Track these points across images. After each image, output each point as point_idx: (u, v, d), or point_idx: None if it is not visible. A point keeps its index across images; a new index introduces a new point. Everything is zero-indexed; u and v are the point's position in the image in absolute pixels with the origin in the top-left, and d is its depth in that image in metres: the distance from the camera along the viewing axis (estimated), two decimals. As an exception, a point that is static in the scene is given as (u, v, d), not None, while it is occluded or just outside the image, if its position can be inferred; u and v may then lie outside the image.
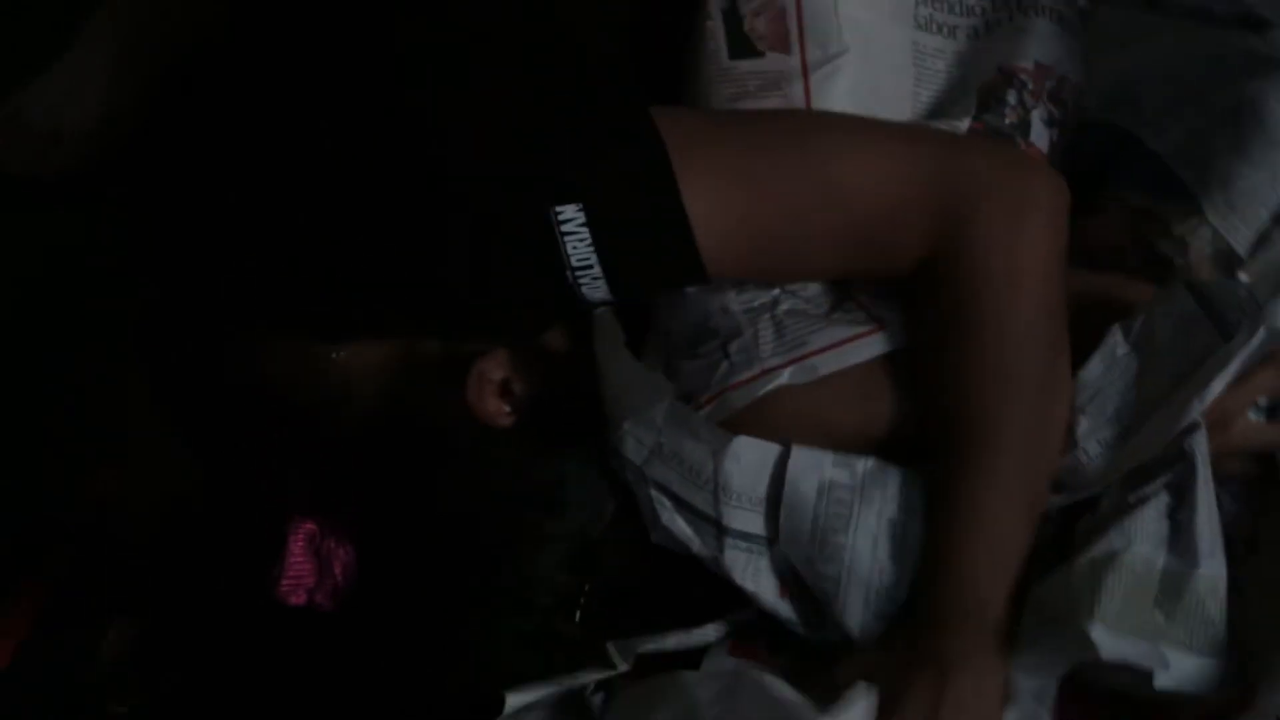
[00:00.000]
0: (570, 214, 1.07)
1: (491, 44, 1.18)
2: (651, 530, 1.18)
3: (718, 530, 1.16)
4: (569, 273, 1.10)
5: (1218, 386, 1.11)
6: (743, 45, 1.30)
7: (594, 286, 1.12)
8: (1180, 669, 1.08)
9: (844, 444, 1.17)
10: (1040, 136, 1.32)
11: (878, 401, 1.19)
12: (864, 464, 1.17)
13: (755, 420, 1.17)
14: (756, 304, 1.24)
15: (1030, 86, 1.34)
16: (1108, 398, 1.18)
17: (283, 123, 1.18)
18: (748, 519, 1.17)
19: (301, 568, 1.17)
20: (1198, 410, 1.11)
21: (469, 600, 1.17)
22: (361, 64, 1.17)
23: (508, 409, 1.20)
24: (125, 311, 1.30)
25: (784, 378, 1.18)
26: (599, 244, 1.08)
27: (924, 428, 1.17)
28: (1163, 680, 1.06)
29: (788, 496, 1.15)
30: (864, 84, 1.29)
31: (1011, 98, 1.33)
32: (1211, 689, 1.09)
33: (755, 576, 1.17)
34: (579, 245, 1.09)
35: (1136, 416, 1.16)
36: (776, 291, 1.24)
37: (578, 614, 1.18)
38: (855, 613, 1.16)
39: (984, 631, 1.11)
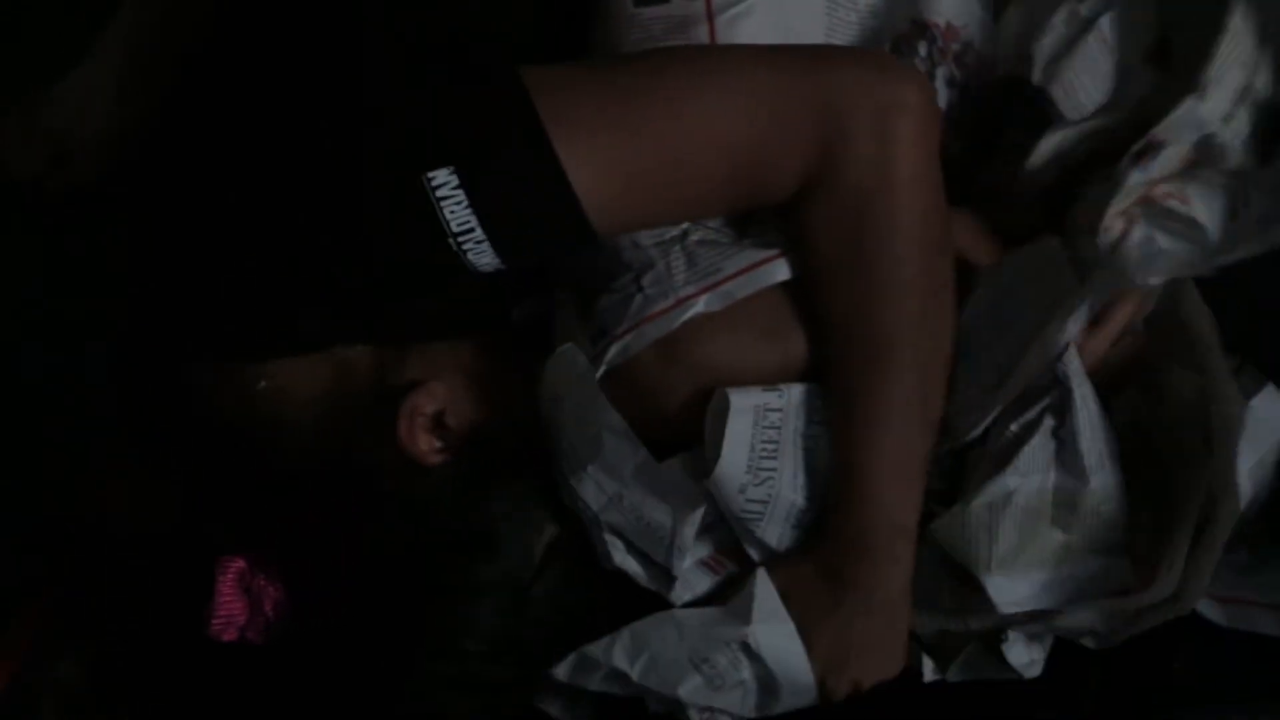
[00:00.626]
0: (443, 178, 1.05)
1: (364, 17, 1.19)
2: (602, 562, 1.18)
3: (669, 577, 1.18)
4: (451, 240, 1.07)
5: (1076, 322, 1.16)
6: None
7: (479, 252, 1.08)
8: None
9: (766, 378, 1.18)
10: (940, 95, 1.31)
11: (794, 331, 1.20)
12: (793, 389, 1.18)
13: (672, 353, 1.17)
14: (667, 236, 1.24)
15: (939, 43, 1.33)
16: (981, 342, 1.21)
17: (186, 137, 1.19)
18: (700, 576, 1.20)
19: (232, 606, 1.15)
20: (1063, 339, 1.16)
21: (398, 645, 1.14)
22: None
23: (439, 445, 1.17)
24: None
25: (700, 305, 1.18)
26: (476, 206, 1.06)
27: (820, 347, 1.18)
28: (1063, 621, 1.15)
29: (728, 444, 1.15)
30: (772, 29, 1.27)
31: (922, 49, 1.32)
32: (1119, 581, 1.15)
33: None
34: (457, 209, 1.06)
35: (1008, 357, 1.18)
36: (686, 224, 1.24)
37: (510, 657, 1.15)
38: (775, 529, 1.18)
39: (895, 558, 1.15)
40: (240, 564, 1.14)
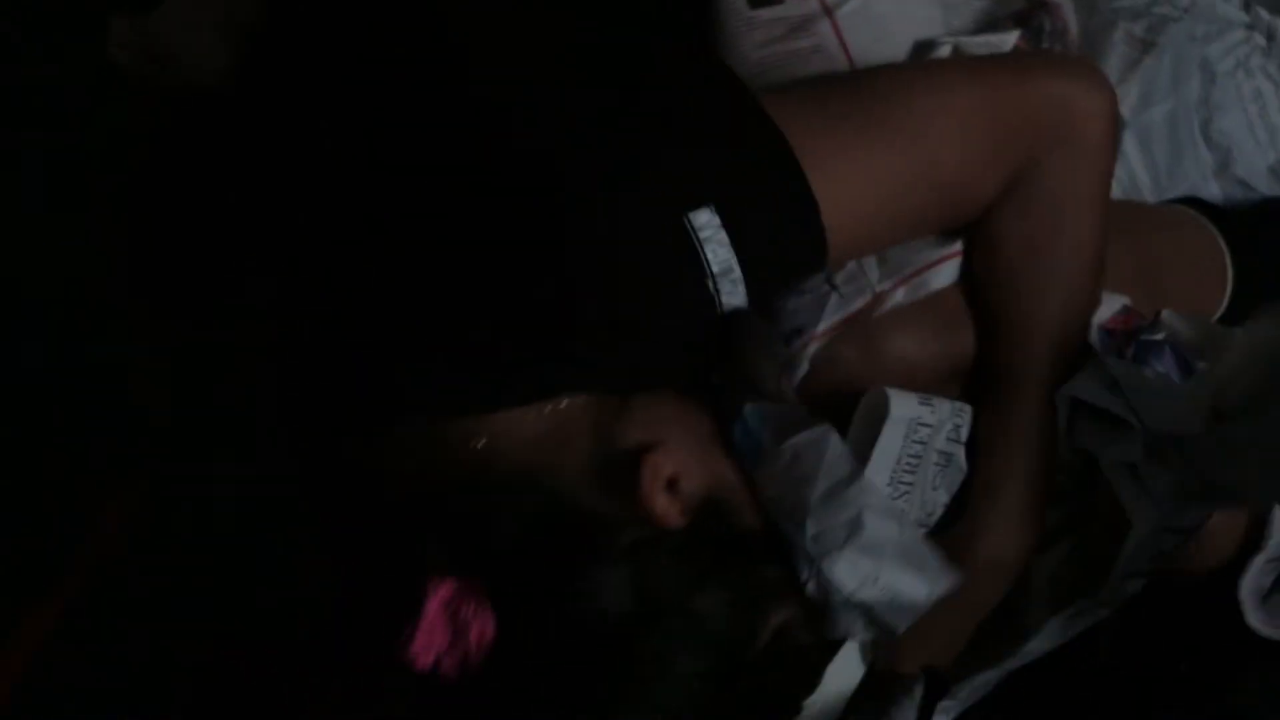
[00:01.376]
0: (706, 219, 1.06)
1: (557, 52, 1.19)
2: (841, 636, 1.17)
3: None
4: (710, 281, 1.07)
5: None
6: None
7: (732, 293, 1.09)
8: None
9: (939, 371, 1.24)
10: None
11: (966, 328, 1.25)
12: (942, 406, 1.21)
13: (875, 345, 1.23)
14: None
15: (1054, 23, 1.44)
16: None
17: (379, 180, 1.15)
18: None
19: (435, 629, 1.07)
20: None
21: (593, 709, 1.09)
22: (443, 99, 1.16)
23: (679, 508, 1.10)
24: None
25: (899, 296, 1.24)
26: (738, 245, 1.07)
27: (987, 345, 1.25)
28: None
29: (879, 452, 1.18)
30: (892, 16, 1.36)
31: (1046, 24, 1.43)
32: None
33: None
34: (719, 249, 1.07)
35: None
36: None
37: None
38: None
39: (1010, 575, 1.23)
40: (449, 587, 1.06)
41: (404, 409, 1.13)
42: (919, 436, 1.20)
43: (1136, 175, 1.50)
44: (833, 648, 1.16)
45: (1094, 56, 1.51)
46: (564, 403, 1.12)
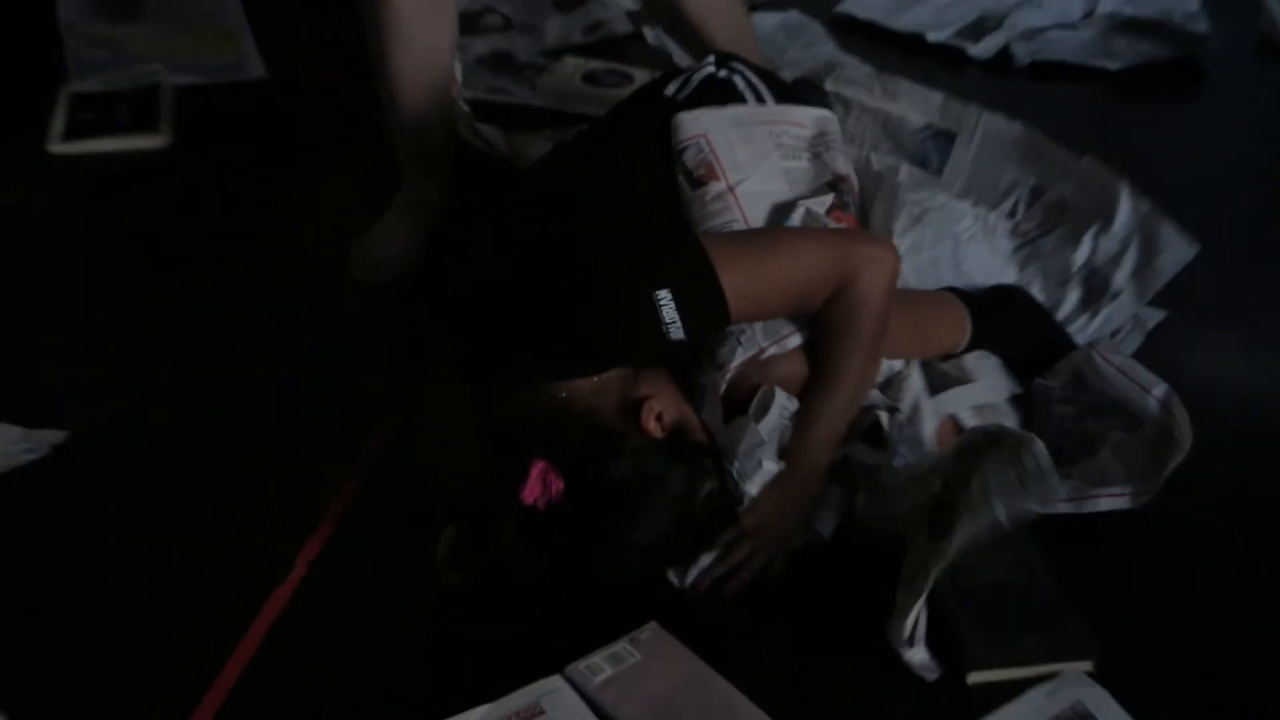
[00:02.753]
0: (665, 297, 1.87)
1: (607, 208, 2.12)
2: (739, 494, 2.00)
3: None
4: (664, 326, 1.88)
5: None
6: (696, 180, 2.17)
7: (677, 334, 1.89)
8: None
9: (793, 385, 2.05)
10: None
11: (806, 365, 2.06)
12: (793, 401, 2.05)
13: (763, 371, 2.05)
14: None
15: (848, 188, 2.27)
16: None
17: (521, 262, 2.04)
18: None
19: (535, 485, 1.84)
20: None
21: (613, 524, 1.88)
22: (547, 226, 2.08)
23: (660, 431, 1.93)
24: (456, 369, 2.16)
25: (772, 350, 2.05)
26: (680, 311, 1.88)
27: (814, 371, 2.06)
28: None
29: (765, 423, 2.01)
30: (764, 193, 2.18)
31: (845, 191, 2.24)
32: None
33: None
34: (669, 312, 1.88)
35: None
36: None
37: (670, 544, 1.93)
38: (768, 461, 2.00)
39: (819, 468, 2.04)
40: (542, 463, 1.85)
41: (530, 377, 1.99)
42: (786, 415, 2.03)
43: (909, 282, 2.23)
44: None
45: (889, 216, 2.30)
46: (603, 376, 1.97)
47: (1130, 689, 1.77)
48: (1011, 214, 2.41)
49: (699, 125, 2.19)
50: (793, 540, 2.00)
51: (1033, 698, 1.78)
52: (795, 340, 2.05)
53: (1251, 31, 3.40)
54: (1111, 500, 2.00)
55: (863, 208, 2.30)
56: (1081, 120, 2.86)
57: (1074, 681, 1.81)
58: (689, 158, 2.17)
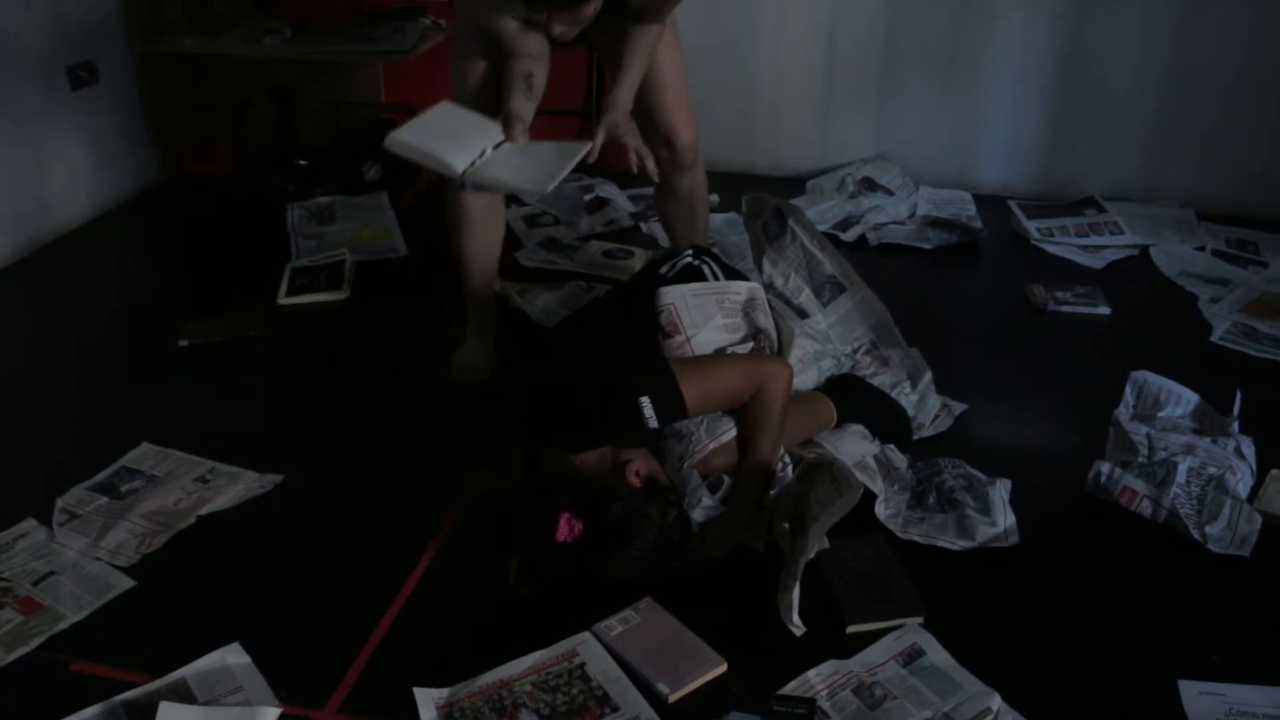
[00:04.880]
0: (646, 402, 1.90)
1: (615, 342, 2.16)
2: (693, 515, 1.97)
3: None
4: (645, 419, 1.91)
5: None
6: (665, 333, 2.14)
7: (653, 424, 1.92)
8: None
9: (729, 468, 2.04)
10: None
11: (733, 453, 2.04)
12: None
13: (705, 464, 2.02)
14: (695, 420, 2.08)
15: (768, 339, 2.24)
16: None
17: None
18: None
19: (563, 528, 1.83)
20: None
21: (615, 544, 1.85)
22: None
23: (638, 482, 1.93)
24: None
25: (712, 444, 2.03)
26: (656, 410, 1.91)
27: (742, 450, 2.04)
28: None
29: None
30: (708, 340, 2.15)
31: (764, 340, 2.21)
32: None
33: None
34: (648, 410, 1.91)
35: None
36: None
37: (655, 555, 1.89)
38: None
39: (743, 512, 1.97)
40: (567, 513, 1.84)
41: (561, 449, 1.93)
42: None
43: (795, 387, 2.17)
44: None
45: (788, 350, 2.24)
46: (602, 449, 1.93)
47: (945, 631, 1.77)
48: (853, 354, 2.38)
49: (670, 296, 2.17)
50: (726, 550, 1.94)
51: (886, 641, 1.78)
52: (729, 434, 2.04)
53: (1005, 226, 3.39)
54: (946, 543, 1.99)
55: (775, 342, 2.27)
56: (910, 278, 2.88)
57: (912, 629, 1.79)
58: (663, 319, 2.15)
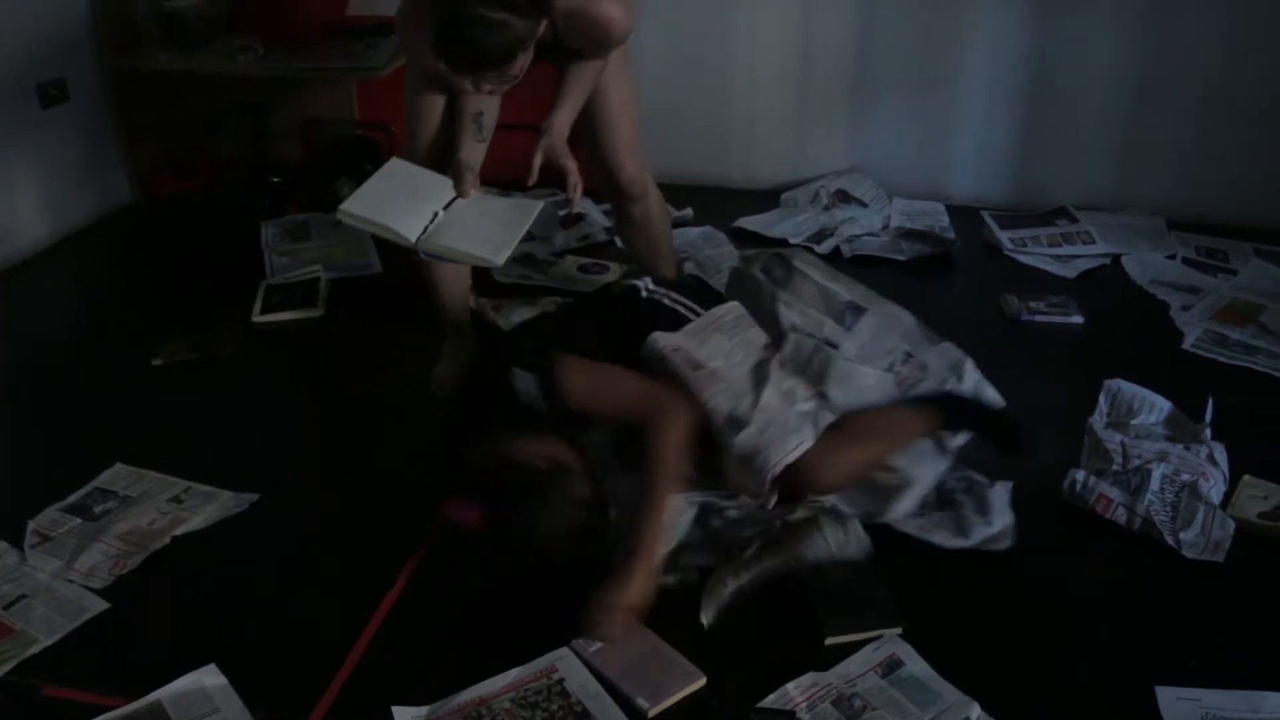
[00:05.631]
0: (520, 374, 1.93)
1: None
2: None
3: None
4: (516, 391, 1.94)
5: None
6: (694, 367, 2.05)
7: (524, 397, 1.92)
8: None
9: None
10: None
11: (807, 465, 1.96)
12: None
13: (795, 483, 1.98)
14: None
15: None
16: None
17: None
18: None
19: (459, 511, 1.93)
20: None
21: (531, 519, 1.82)
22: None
23: (547, 465, 1.86)
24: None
25: (788, 458, 1.95)
26: (530, 385, 1.93)
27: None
28: None
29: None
30: (734, 361, 2.09)
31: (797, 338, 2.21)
32: None
33: None
34: (521, 383, 1.93)
35: None
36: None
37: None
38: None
39: (648, 560, 1.82)
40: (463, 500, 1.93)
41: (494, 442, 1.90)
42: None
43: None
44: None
45: (824, 374, 2.13)
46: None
47: (924, 642, 1.77)
48: (890, 368, 2.22)
49: (671, 341, 2.08)
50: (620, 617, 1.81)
51: (865, 652, 1.77)
52: (802, 448, 1.94)
53: (978, 237, 3.41)
54: (941, 539, 2.00)
55: (804, 364, 2.16)
56: (884, 290, 2.81)
57: (890, 640, 1.79)
58: (679, 358, 2.05)
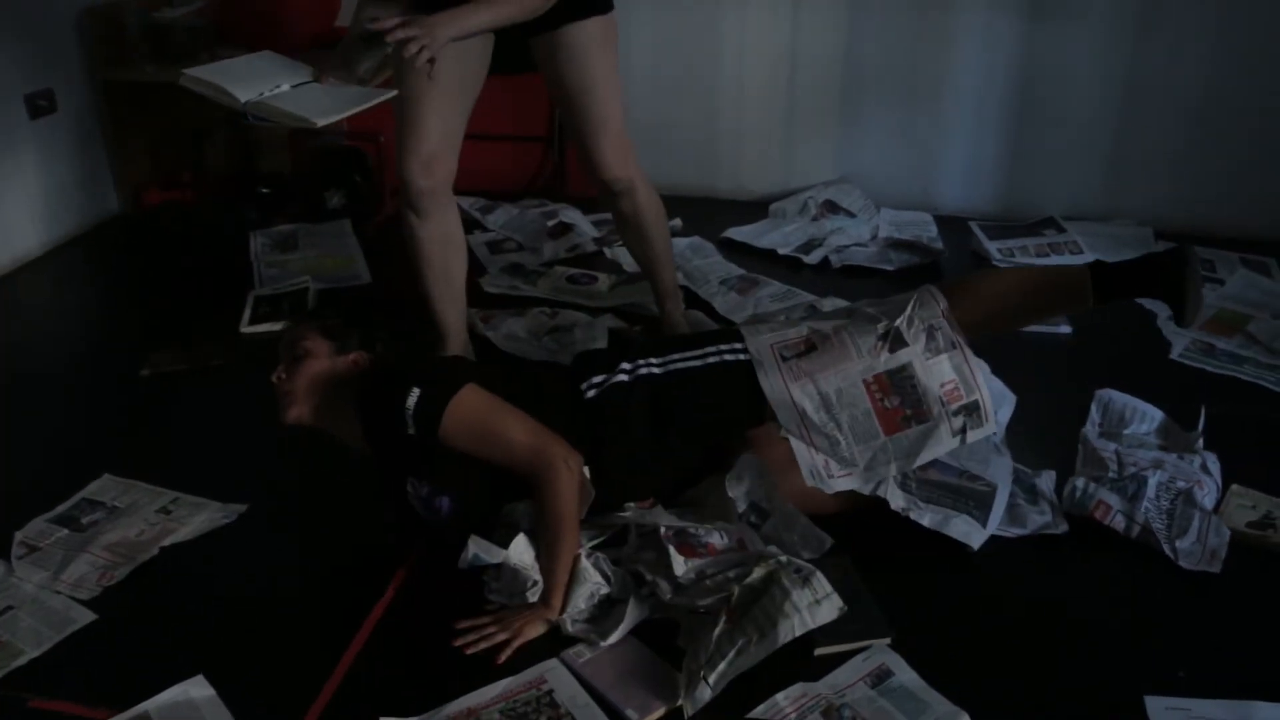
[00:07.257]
0: (415, 393, 1.89)
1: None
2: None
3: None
4: (406, 410, 1.90)
5: None
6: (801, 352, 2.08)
7: (409, 415, 1.88)
8: None
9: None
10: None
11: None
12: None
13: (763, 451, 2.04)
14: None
15: None
16: None
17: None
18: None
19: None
20: None
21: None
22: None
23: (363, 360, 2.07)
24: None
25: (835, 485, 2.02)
26: (416, 406, 1.88)
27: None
28: None
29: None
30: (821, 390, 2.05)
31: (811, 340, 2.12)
32: None
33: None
34: (411, 399, 1.89)
35: None
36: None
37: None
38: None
39: (554, 612, 1.82)
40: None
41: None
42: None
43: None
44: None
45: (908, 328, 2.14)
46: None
47: (913, 652, 1.76)
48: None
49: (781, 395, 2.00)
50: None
51: (854, 662, 1.77)
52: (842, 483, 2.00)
53: (966, 247, 3.41)
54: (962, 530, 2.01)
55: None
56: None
57: (880, 650, 1.78)
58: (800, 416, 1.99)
